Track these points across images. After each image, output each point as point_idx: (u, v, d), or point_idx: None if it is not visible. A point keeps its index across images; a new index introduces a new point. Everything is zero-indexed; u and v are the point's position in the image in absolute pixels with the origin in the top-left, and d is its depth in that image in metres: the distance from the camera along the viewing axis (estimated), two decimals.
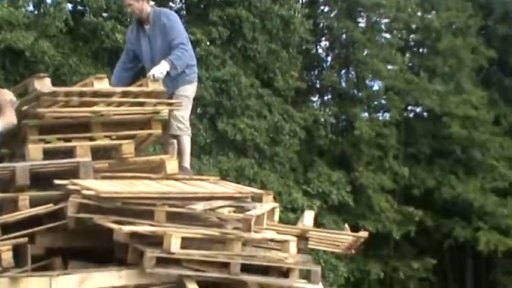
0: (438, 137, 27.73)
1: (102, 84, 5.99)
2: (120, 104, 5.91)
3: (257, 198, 5.95)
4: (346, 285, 24.31)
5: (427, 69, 28.38)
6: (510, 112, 29.22)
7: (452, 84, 27.53)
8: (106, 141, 5.90)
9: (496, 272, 29.10)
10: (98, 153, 5.87)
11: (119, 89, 6.10)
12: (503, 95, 29.43)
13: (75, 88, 6.04)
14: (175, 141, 6.49)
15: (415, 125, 28.44)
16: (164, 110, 6.10)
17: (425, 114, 29.77)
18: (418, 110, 30.18)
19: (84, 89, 5.94)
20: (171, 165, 6.06)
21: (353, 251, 6.34)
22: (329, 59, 29.27)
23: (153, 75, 6.13)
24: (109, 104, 5.85)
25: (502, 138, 27.87)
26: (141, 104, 5.98)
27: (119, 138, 5.93)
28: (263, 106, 22.87)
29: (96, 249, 5.32)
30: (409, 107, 29.54)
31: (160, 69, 6.19)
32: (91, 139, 5.80)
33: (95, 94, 5.84)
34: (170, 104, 6.24)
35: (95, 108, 5.79)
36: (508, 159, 27.61)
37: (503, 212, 26.72)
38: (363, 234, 6.11)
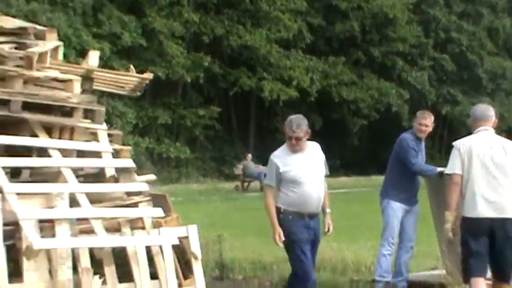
0: None
1: None
2: None
3: (40, 36, 5.77)
4: (133, 131, 24.57)
5: None
6: None
7: None
8: None
9: (277, 120, 30.70)
10: None
11: None
12: None
13: None
14: None
15: None
16: None
17: None
18: None
19: None
20: None
21: (138, 93, 6.41)
22: None
23: None
24: None
25: None
26: None
27: None
28: None
29: None
30: None
31: None
32: None
33: None
34: None
35: None
36: (292, 11, 28.47)
37: (286, 64, 27.91)
38: (148, 75, 6.17)
